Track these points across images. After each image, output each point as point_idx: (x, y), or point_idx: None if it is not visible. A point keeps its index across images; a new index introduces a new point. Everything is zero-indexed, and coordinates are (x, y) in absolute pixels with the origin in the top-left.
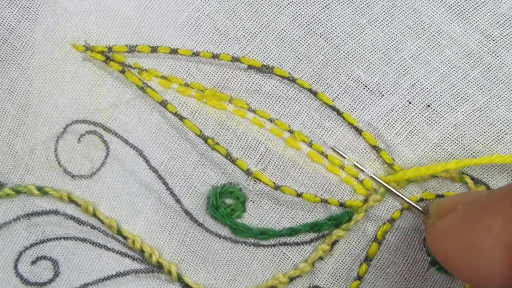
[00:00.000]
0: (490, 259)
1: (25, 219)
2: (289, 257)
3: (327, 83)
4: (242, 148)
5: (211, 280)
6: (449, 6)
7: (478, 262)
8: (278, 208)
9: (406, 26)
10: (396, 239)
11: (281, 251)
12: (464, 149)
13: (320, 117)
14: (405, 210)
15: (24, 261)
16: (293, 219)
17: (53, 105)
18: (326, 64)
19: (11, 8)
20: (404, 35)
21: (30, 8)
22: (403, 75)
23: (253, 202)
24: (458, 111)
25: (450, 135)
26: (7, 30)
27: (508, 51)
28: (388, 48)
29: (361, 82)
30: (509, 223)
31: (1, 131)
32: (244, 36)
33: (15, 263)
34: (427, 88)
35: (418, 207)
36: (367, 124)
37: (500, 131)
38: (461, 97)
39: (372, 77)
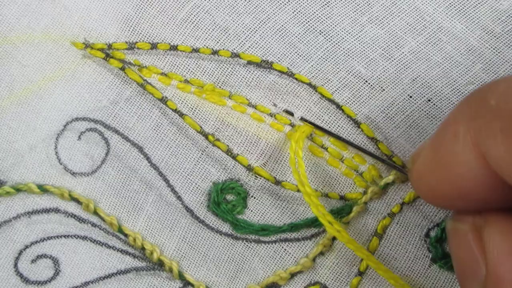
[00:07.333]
0: (463, 164)
1: (25, 217)
2: (290, 253)
3: (326, 78)
4: (243, 144)
5: (212, 277)
6: (450, 3)
7: (456, 175)
8: (279, 204)
9: (407, 24)
10: (396, 234)
11: (282, 247)
12: None
13: (319, 110)
14: (405, 205)
15: (24, 260)
16: (294, 214)
17: (53, 102)
18: (326, 60)
19: (11, 6)
20: (405, 32)
21: (29, 6)
22: (404, 70)
23: (254, 198)
24: None
25: None
26: (7, 28)
27: (509, 47)
28: (389, 45)
29: (361, 77)
30: (471, 122)
31: (0, 129)
32: (243, 32)
33: (15, 261)
34: (428, 83)
35: (395, 165)
36: (366, 117)
37: None
38: (462, 92)
39: (372, 73)
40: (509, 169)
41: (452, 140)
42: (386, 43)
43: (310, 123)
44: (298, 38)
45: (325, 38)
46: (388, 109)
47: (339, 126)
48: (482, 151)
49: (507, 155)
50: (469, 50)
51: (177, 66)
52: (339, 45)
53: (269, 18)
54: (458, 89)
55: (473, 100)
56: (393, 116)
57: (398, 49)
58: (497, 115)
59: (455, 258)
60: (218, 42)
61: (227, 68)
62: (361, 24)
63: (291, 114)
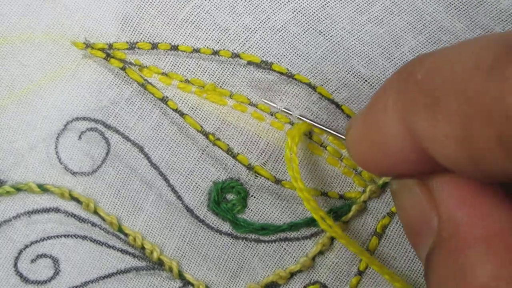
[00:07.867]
0: (391, 137)
1: (25, 217)
2: (290, 252)
3: (326, 78)
4: (243, 143)
5: (212, 277)
6: (450, 2)
7: (384, 147)
8: (279, 203)
9: (407, 23)
10: (396, 233)
11: (282, 247)
12: None
13: (319, 110)
14: None
15: (24, 259)
16: (293, 213)
17: (53, 102)
18: (325, 60)
19: (12, 6)
20: (405, 32)
21: (30, 6)
22: None
23: (254, 197)
24: None
25: None
26: (8, 28)
27: None
28: (389, 44)
29: (361, 77)
30: (398, 95)
31: (1, 129)
32: (243, 32)
33: (15, 261)
34: None
35: (340, 135)
36: None
37: None
38: None
39: (372, 72)
40: (432, 144)
41: (381, 112)
42: (386, 42)
43: (310, 120)
44: (298, 38)
45: (324, 37)
46: None
47: (338, 125)
48: (408, 125)
49: (430, 131)
50: None
51: (178, 66)
52: (338, 45)
53: (269, 18)
54: None
55: (402, 73)
56: None
57: (398, 48)
58: (422, 90)
59: (402, 216)
60: (218, 42)
61: (228, 68)
62: (361, 24)
63: (289, 113)
